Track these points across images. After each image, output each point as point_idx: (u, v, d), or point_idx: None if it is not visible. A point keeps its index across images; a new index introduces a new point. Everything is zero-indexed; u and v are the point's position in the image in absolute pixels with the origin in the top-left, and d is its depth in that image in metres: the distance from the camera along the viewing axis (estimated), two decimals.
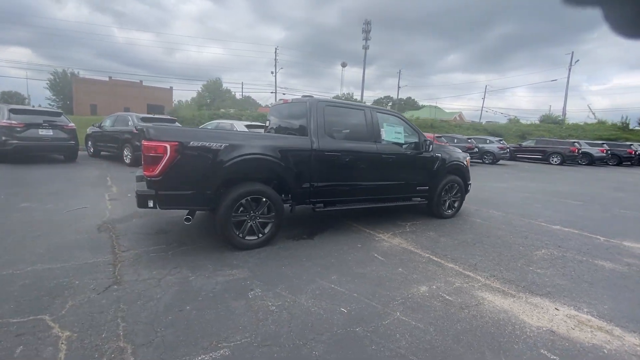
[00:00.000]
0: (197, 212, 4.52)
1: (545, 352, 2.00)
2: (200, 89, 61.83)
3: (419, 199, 4.93)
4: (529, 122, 36.49)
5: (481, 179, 10.42)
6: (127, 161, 9.16)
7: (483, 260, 3.48)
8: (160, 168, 2.86)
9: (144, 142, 2.86)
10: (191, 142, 2.96)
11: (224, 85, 63.12)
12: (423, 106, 63.64)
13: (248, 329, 2.08)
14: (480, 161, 17.06)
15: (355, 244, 3.80)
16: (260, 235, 3.44)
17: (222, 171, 3.11)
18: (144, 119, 9.17)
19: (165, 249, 3.33)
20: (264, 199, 3.39)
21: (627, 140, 23.88)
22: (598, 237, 4.55)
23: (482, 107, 50.50)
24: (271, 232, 3.50)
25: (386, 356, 1.89)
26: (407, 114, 35.27)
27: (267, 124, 4.90)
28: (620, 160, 20.05)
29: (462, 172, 5.29)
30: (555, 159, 18.49)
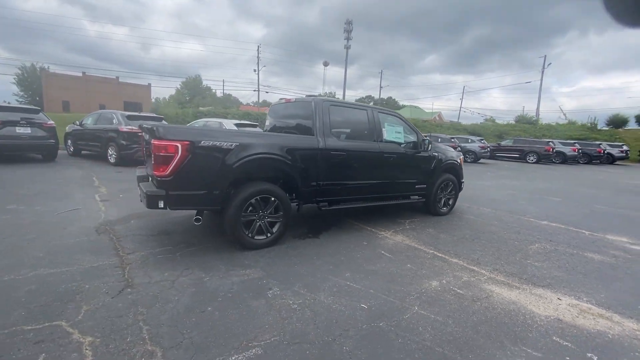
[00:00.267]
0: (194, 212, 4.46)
1: (558, 339, 2.13)
2: (179, 86, 60.29)
3: (416, 197, 5.06)
4: (504, 122, 38.01)
5: (466, 177, 10.71)
6: (112, 160, 8.83)
7: (484, 255, 3.63)
8: (171, 168, 2.80)
9: (154, 142, 2.79)
10: (202, 142, 2.92)
11: (204, 83, 61.84)
12: (404, 106, 64.82)
13: (274, 327, 2.09)
14: None
15: (360, 241, 3.87)
16: (269, 234, 3.44)
17: (232, 171, 3.08)
18: (129, 117, 8.87)
19: (172, 250, 3.26)
20: (273, 199, 3.39)
21: (596, 139, 25.34)
22: (583, 231, 4.83)
23: (461, 107, 52.09)
24: (279, 231, 3.50)
25: (413, 349, 1.95)
26: None
27: (267, 123, 4.87)
28: (590, 158, 21.26)
29: (456, 171, 5.47)
30: (531, 158, 19.36)
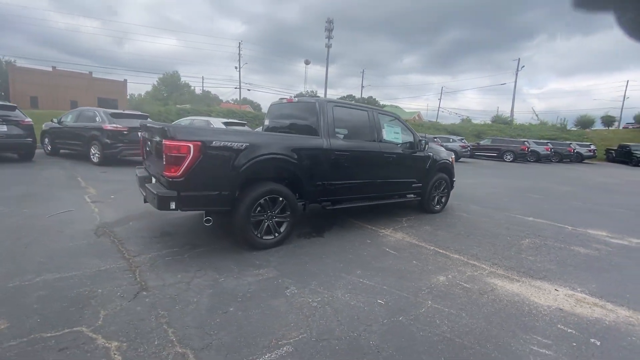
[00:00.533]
0: (195, 212, 4.40)
1: (562, 327, 2.30)
2: (156, 83, 58.40)
3: (412, 195, 5.21)
4: (481, 122, 39.42)
5: None
6: (95, 160, 8.48)
7: (482, 251, 3.81)
8: (183, 169, 2.76)
9: (166, 142, 2.74)
10: (214, 142, 2.90)
11: (182, 79, 60.20)
12: (384, 106, 65.82)
13: (300, 325, 2.13)
14: None
15: (363, 239, 3.96)
16: (277, 234, 3.46)
17: (243, 171, 3.08)
18: (113, 115, 8.54)
19: (179, 252, 3.22)
20: (281, 199, 3.41)
21: (566, 139, 26.79)
22: (566, 226, 5.15)
23: (439, 107, 53.58)
24: (287, 231, 3.53)
25: (435, 340, 2.05)
26: None
27: (266, 123, 4.86)
28: (562, 157, 22.48)
29: (448, 170, 5.68)
30: (508, 157, 20.24)
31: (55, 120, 9.51)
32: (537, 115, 37.97)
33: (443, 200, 5.66)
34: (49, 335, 1.91)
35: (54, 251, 3.08)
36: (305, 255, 3.34)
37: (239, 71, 42.27)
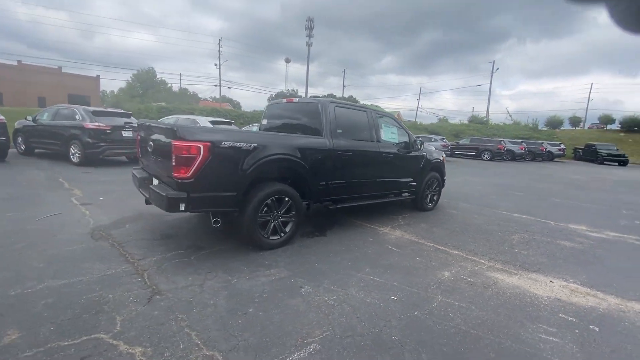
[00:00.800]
0: (192, 214, 4.34)
1: (563, 315, 2.46)
2: (130, 79, 56.01)
3: (407, 194, 5.35)
4: (459, 122, 40.74)
5: None
6: (75, 160, 8.09)
7: (478, 246, 3.98)
8: (193, 169, 2.72)
9: (175, 143, 2.69)
10: (223, 142, 2.87)
11: (159, 76, 58.10)
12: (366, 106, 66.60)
13: (322, 323, 2.17)
14: None
15: (365, 238, 4.03)
16: (282, 234, 3.47)
17: (251, 171, 3.07)
18: (94, 113, 8.18)
19: (185, 254, 3.16)
20: (287, 199, 3.42)
21: (538, 139, 28.17)
22: (550, 222, 5.46)
23: (418, 107, 54.82)
24: (292, 231, 3.54)
25: (452, 333, 2.15)
26: None
27: (264, 122, 4.84)
28: (534, 156, 23.63)
29: (440, 169, 5.87)
30: (486, 155, 21.05)
31: (29, 118, 8.98)
32: (510, 115, 39.72)
33: (435, 198, 5.85)
34: (66, 343, 1.84)
35: (51, 256, 2.94)
36: (312, 255, 3.37)
37: (219, 68, 41.49)
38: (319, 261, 3.21)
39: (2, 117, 7.61)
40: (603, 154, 24.25)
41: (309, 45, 37.76)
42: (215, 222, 3.06)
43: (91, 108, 8.52)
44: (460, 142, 23.34)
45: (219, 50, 41.94)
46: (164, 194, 2.75)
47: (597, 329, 2.30)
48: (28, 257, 2.89)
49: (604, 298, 2.80)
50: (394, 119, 5.09)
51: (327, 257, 3.32)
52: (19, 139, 9.26)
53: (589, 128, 40.40)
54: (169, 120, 10.29)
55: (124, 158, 9.68)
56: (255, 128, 12.17)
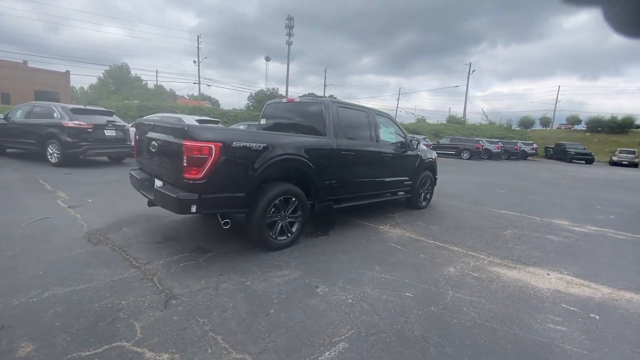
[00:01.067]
0: (191, 215, 4.24)
1: (565, 305, 2.62)
2: (102, 75, 53.47)
3: (402, 193, 5.47)
4: (437, 122, 41.92)
5: None
6: (53, 160, 7.67)
7: (475, 242, 4.14)
8: (205, 170, 2.66)
9: (187, 143, 2.62)
10: (234, 143, 2.82)
11: (133, 72, 55.80)
12: None
13: (345, 322, 2.19)
14: None
15: (368, 236, 4.09)
16: (289, 234, 3.46)
17: (261, 172, 3.04)
18: (74, 111, 7.78)
19: (192, 257, 3.09)
20: (294, 199, 3.42)
21: (512, 138, 29.48)
22: (535, 217, 5.75)
23: (397, 107, 55.90)
24: (298, 231, 3.54)
25: (469, 326, 2.24)
26: None
27: (262, 122, 4.79)
28: (510, 154, 24.72)
29: (433, 168, 6.04)
30: (465, 154, 21.79)
31: (1, 115, 8.41)
32: (486, 116, 41.32)
33: (428, 196, 6.01)
34: (87, 354, 1.77)
35: (50, 263, 2.79)
36: (320, 254, 3.38)
37: (198, 66, 40.47)
38: (329, 261, 3.23)
39: None
40: (572, 153, 25.73)
41: (289, 44, 37.58)
42: (225, 223, 3.01)
43: (70, 106, 8.10)
44: (441, 141, 24.03)
45: (198, 47, 40.89)
46: (174, 196, 2.68)
47: (597, 317, 2.46)
48: (24, 265, 2.73)
49: (597, 288, 3.00)
50: (391, 119, 5.18)
51: (335, 257, 3.35)
52: None
53: (557, 128, 42.70)
54: (154, 118, 9.95)
55: (105, 158, 9.28)
56: (242, 127, 12.02)
